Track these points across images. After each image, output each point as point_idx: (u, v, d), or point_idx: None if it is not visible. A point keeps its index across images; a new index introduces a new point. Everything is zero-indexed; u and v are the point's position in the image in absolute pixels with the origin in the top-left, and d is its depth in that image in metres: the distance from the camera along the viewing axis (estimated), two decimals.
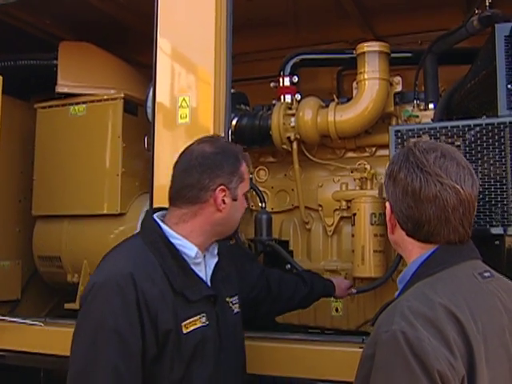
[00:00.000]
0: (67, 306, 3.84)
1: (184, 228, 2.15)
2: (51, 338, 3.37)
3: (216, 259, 2.26)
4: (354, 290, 3.10)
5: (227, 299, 2.29)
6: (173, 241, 2.12)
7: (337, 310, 3.36)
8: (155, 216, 2.21)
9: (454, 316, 1.52)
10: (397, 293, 1.81)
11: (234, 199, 2.19)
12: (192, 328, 2.06)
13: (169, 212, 2.21)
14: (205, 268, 2.22)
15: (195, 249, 2.14)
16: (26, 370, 3.56)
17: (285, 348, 2.88)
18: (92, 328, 1.96)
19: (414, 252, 1.76)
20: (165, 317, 1.99)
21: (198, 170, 2.14)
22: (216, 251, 2.28)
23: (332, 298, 3.23)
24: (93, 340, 1.94)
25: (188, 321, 2.05)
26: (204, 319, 2.10)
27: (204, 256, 2.22)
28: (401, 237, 1.80)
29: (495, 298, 1.66)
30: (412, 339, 1.46)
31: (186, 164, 2.18)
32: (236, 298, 2.35)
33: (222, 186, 2.14)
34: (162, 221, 2.19)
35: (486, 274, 1.71)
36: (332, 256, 3.52)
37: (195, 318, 2.08)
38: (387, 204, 1.81)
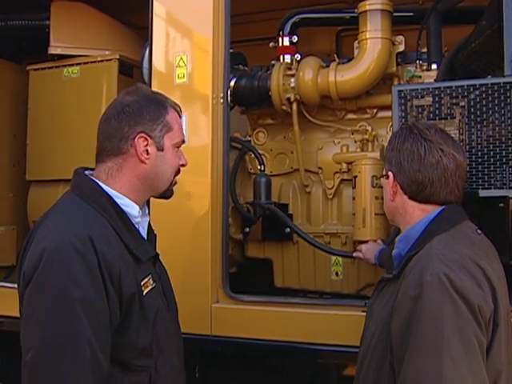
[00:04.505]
0: None
1: (113, 184, 2.00)
2: None
3: (148, 218, 2.16)
4: None
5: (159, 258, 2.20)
6: (117, 200, 1.98)
7: (337, 273, 3.33)
8: (87, 174, 2.05)
9: (477, 264, 1.81)
10: (399, 246, 2.04)
11: (160, 149, 2.04)
12: (147, 290, 1.95)
13: (96, 169, 2.05)
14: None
15: (137, 207, 2.03)
16: None
17: (285, 312, 2.86)
18: (53, 302, 1.74)
19: (416, 214, 2.01)
20: (127, 280, 1.87)
21: (116, 119, 2.00)
22: (147, 210, 2.17)
23: (332, 262, 3.20)
24: (57, 316, 1.74)
25: (143, 282, 1.95)
26: (151, 281, 1.99)
27: None
28: (401, 201, 2.04)
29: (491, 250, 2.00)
30: (454, 279, 1.72)
31: (106, 115, 2.04)
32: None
33: (141, 134, 2.00)
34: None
35: (479, 232, 2.01)
36: (332, 219, 3.46)
37: (146, 279, 1.97)
38: (390, 174, 2.05)
